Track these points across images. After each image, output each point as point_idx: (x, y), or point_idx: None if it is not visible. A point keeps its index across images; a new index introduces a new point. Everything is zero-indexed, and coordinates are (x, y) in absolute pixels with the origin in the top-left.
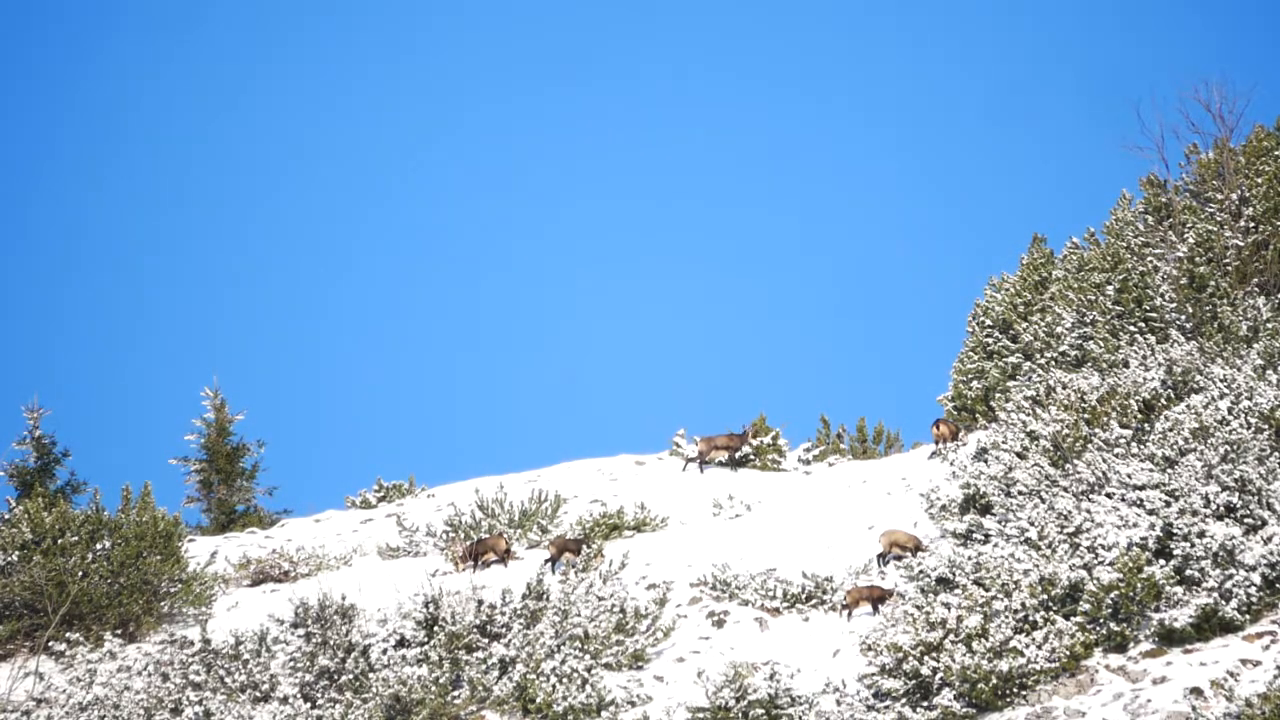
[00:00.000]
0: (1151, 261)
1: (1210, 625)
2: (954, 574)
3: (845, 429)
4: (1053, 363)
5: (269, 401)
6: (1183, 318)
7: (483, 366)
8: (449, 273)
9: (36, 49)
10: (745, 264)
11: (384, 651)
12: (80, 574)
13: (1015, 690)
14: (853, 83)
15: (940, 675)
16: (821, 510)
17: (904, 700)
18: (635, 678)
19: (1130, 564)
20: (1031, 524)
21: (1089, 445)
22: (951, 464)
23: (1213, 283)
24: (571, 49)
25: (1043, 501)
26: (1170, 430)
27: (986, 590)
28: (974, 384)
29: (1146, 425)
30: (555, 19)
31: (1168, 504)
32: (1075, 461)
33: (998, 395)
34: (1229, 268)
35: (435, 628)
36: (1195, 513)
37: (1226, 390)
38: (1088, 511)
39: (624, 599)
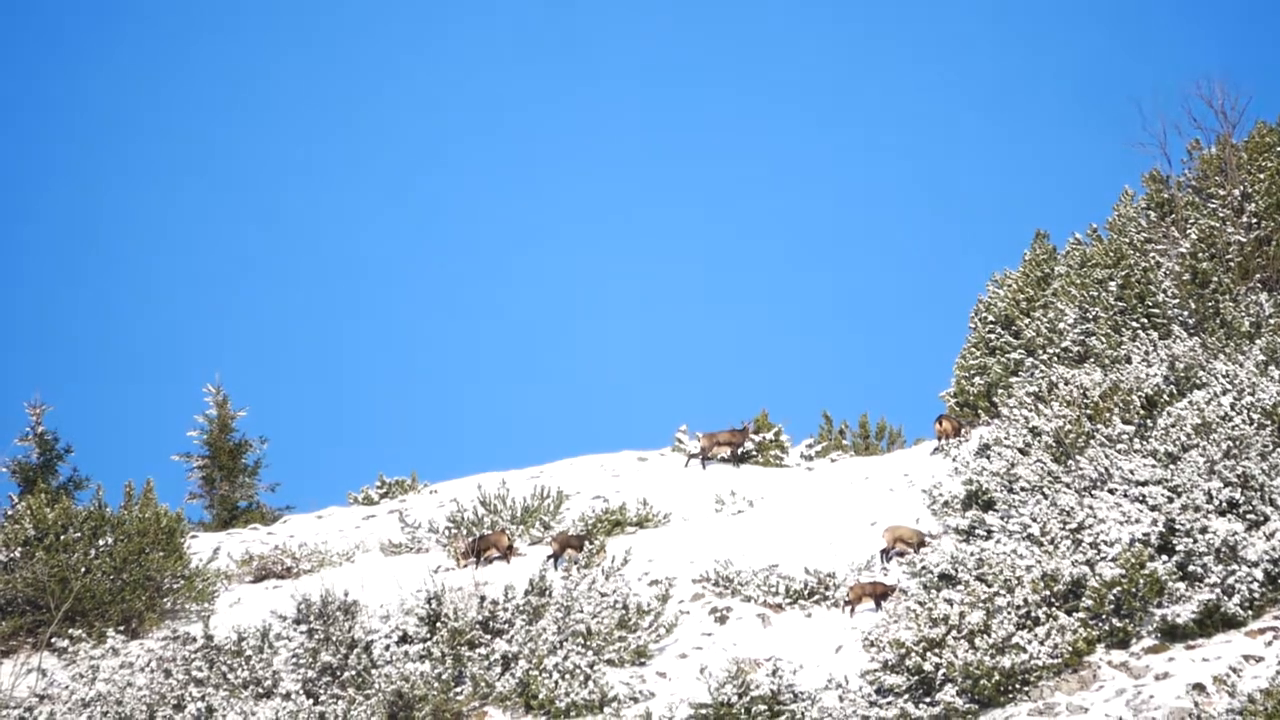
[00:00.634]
0: (1154, 257)
1: (1213, 621)
2: (956, 570)
3: (848, 425)
4: (1055, 359)
5: (271, 398)
6: (1185, 313)
7: (485, 363)
8: (453, 271)
9: (42, 50)
10: (747, 262)
11: (386, 648)
12: (83, 570)
13: (1018, 686)
14: (857, 81)
15: (943, 671)
16: (824, 506)
17: (907, 696)
18: (638, 674)
19: (1133, 560)
20: (1034, 520)
21: (1091, 441)
22: (954, 460)
23: (1215, 278)
24: (580, 55)
25: (1045, 497)
26: (1173, 426)
27: (989, 586)
28: (976, 380)
29: (1149, 421)
30: (577, 24)
31: (1170, 500)
32: (1078, 457)
33: (1000, 391)
34: (1231, 263)
35: (438, 624)
36: (1198, 509)
37: (1229, 386)
38: (1090, 507)
39: (626, 595)
